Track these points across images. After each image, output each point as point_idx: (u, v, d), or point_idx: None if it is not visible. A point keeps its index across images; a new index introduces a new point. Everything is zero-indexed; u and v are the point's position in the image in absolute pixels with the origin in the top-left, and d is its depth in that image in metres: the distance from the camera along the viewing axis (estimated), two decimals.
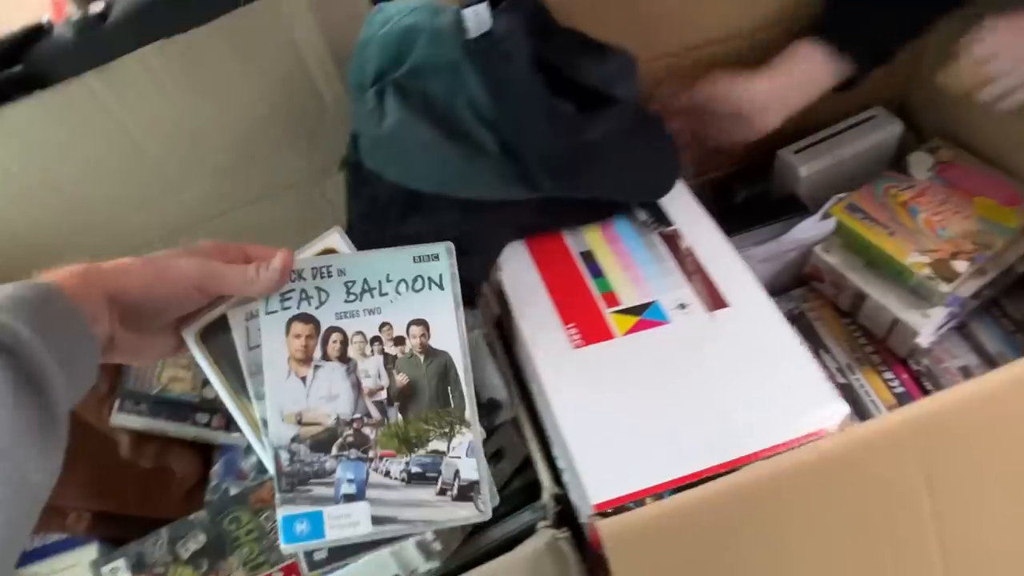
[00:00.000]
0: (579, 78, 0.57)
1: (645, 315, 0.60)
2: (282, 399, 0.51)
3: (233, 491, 0.73)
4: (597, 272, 0.63)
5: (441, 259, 0.54)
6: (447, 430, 0.53)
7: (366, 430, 0.52)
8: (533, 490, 0.75)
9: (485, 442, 0.72)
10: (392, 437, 0.52)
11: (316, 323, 0.52)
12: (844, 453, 0.49)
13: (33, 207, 0.69)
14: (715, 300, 0.60)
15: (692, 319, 0.59)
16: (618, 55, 0.62)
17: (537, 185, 0.58)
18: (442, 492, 0.51)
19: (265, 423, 0.52)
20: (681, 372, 0.56)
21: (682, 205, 0.68)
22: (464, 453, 0.52)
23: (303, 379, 0.52)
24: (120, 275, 0.43)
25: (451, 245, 0.55)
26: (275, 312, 0.52)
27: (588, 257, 0.64)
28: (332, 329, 0.53)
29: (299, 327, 0.52)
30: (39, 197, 0.69)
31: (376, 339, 0.53)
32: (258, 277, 0.48)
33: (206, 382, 0.74)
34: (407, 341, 0.53)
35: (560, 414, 0.54)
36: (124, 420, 0.71)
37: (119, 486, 0.71)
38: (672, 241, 0.64)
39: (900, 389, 0.71)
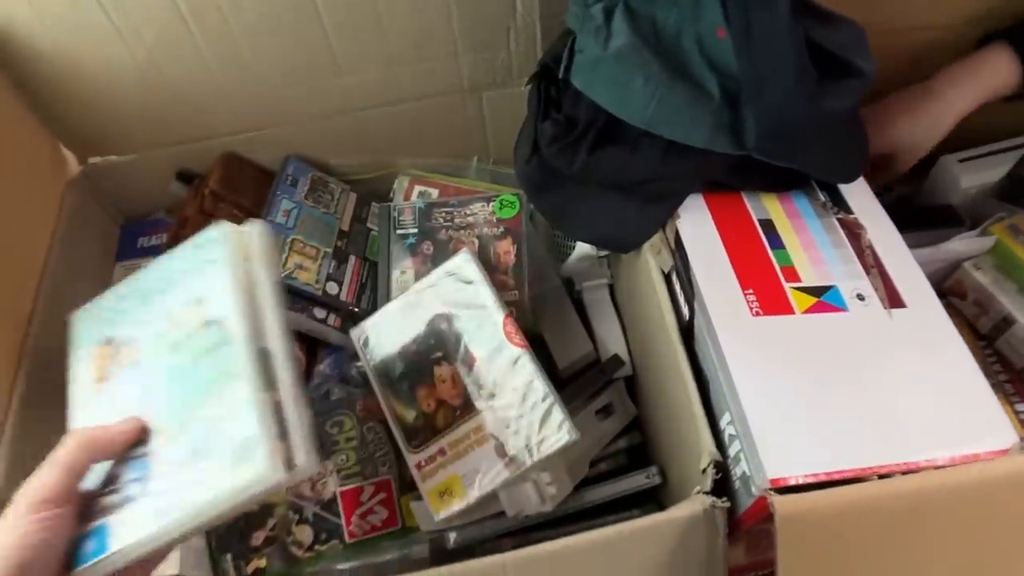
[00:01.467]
0: (825, 42, 0.53)
1: (824, 297, 0.57)
2: (84, 420, 0.51)
3: (336, 395, 0.71)
4: (777, 244, 0.60)
5: (216, 238, 0.52)
6: (216, 394, 0.48)
7: (153, 422, 0.48)
8: (638, 453, 0.75)
9: (597, 396, 0.72)
10: (167, 421, 0.48)
11: (114, 340, 0.52)
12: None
13: (197, 54, 0.66)
14: (893, 298, 0.58)
15: (870, 313, 0.57)
16: (849, 24, 0.58)
17: (745, 142, 0.55)
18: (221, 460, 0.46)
19: None
20: (858, 364, 0.54)
21: (860, 196, 0.65)
22: (241, 412, 0.46)
23: (100, 393, 0.52)
24: None
25: (225, 225, 0.52)
26: (81, 347, 0.53)
27: (768, 226, 0.61)
28: (129, 339, 0.52)
29: (99, 351, 0.53)
30: (207, 45, 0.65)
31: (166, 331, 0.51)
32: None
33: (329, 277, 0.72)
34: (189, 322, 0.50)
35: (739, 380, 0.52)
36: None
37: None
38: (850, 229, 0.62)
39: None
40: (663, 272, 0.60)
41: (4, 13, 0.61)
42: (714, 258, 0.59)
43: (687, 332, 0.58)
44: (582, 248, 0.71)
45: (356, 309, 0.73)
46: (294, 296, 0.70)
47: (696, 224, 0.61)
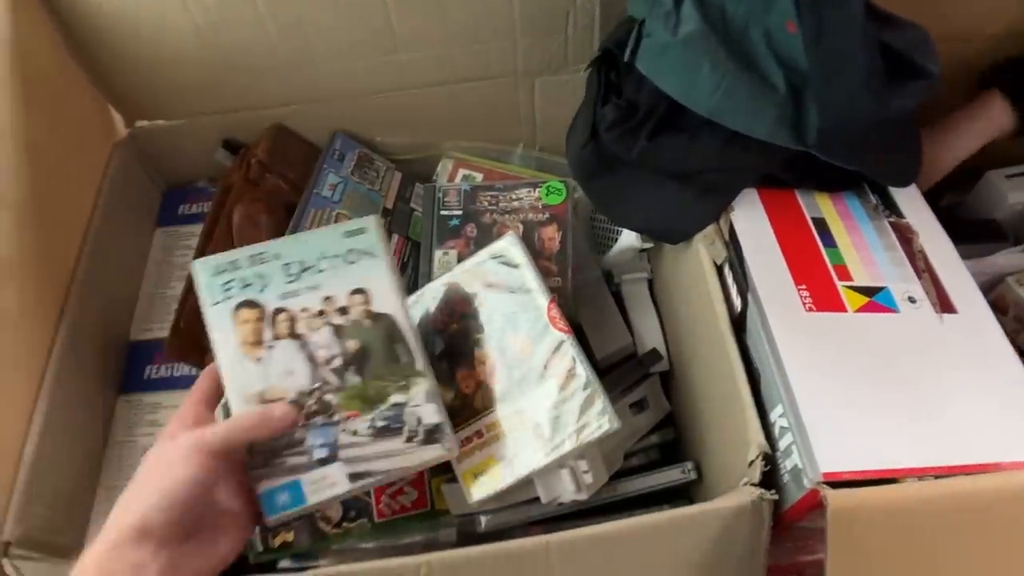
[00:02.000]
0: (893, 43, 0.53)
1: (875, 298, 0.57)
2: (241, 382, 0.54)
3: None
4: (830, 242, 0.60)
5: (369, 232, 0.59)
6: (403, 383, 0.56)
7: (328, 396, 0.55)
8: (670, 449, 0.74)
9: (632, 390, 0.72)
10: (353, 398, 0.55)
11: (261, 307, 0.56)
12: None
13: (259, 22, 0.66)
14: (944, 303, 0.57)
15: (921, 316, 0.56)
16: (914, 26, 0.58)
17: (805, 138, 0.55)
18: (409, 439, 0.55)
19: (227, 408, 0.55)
20: (910, 365, 0.54)
21: (912, 201, 0.65)
22: (423, 400, 0.56)
23: (258, 360, 0.56)
24: (161, 532, 0.44)
25: (379, 218, 0.58)
26: (219, 303, 0.56)
27: (821, 224, 0.61)
28: (278, 310, 0.56)
29: (245, 313, 0.56)
30: (269, 13, 0.66)
31: (321, 312, 0.57)
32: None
33: None
34: (350, 310, 0.57)
35: (792, 374, 0.51)
36: None
37: None
38: (902, 233, 0.62)
39: None
40: (715, 264, 0.60)
41: None
42: (768, 252, 0.59)
43: (738, 324, 0.58)
44: (626, 240, 0.71)
45: None
46: None
47: (750, 218, 0.61)
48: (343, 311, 0.56)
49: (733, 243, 0.60)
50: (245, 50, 0.68)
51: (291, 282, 0.56)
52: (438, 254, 0.71)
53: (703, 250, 0.61)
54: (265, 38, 0.67)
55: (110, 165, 0.74)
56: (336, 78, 0.72)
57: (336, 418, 0.55)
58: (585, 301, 0.73)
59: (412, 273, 0.73)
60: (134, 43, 0.67)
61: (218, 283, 0.56)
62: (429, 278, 0.70)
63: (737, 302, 0.58)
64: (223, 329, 0.55)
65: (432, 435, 0.55)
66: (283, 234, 0.69)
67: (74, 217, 0.68)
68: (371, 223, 0.58)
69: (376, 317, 0.57)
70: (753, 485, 0.51)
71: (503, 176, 0.79)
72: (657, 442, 0.74)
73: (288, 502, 0.53)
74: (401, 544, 0.67)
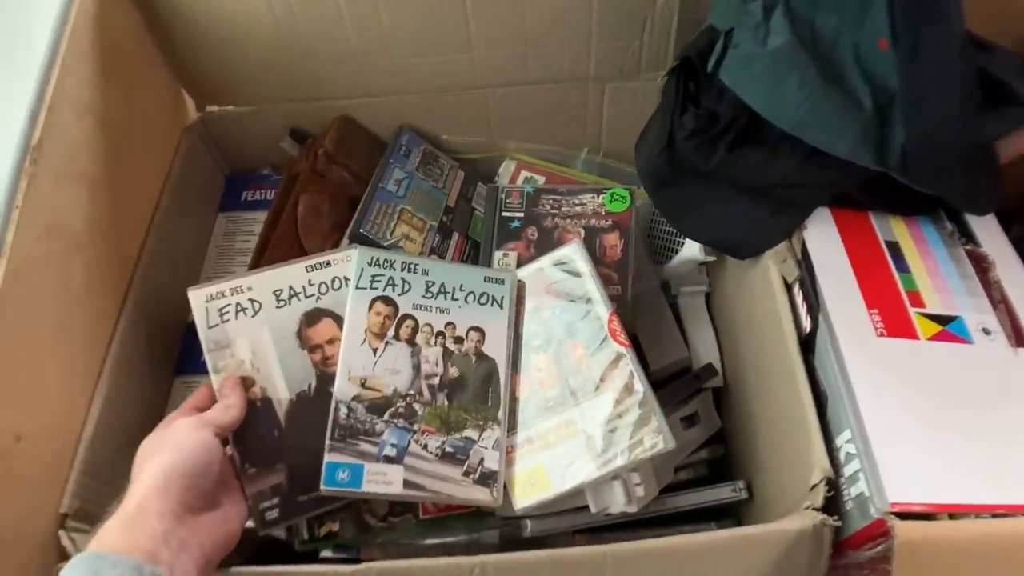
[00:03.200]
0: (988, 66, 0.52)
1: (949, 327, 0.56)
2: (352, 362, 0.59)
3: None
4: (903, 267, 0.59)
5: (506, 284, 0.64)
6: (481, 423, 0.60)
7: (416, 406, 0.60)
8: (719, 465, 0.73)
9: (684, 404, 0.71)
10: (436, 417, 0.60)
11: (395, 306, 0.62)
12: None
13: (336, 14, 0.66)
14: (1019, 337, 0.56)
15: (996, 348, 0.55)
16: (1004, 51, 0.56)
17: (887, 159, 0.53)
18: (466, 473, 0.59)
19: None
20: (982, 398, 0.52)
21: (988, 230, 0.63)
22: (491, 446, 0.60)
23: (374, 350, 0.60)
24: (177, 498, 0.47)
25: (515, 276, 0.65)
26: (364, 289, 0.61)
27: (894, 248, 0.60)
28: (407, 316, 0.62)
29: (381, 306, 0.61)
30: (348, 5, 0.66)
31: (441, 333, 0.62)
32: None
33: (433, 251, 0.71)
34: (465, 342, 0.62)
35: (862, 399, 0.50)
36: None
37: None
38: (978, 262, 0.60)
39: None
40: (785, 282, 0.59)
41: None
42: (840, 274, 0.57)
43: (805, 345, 0.56)
44: (688, 252, 0.70)
45: None
46: None
47: (823, 238, 0.59)
48: (458, 340, 0.62)
49: (805, 262, 0.58)
50: (320, 41, 0.68)
51: (427, 297, 0.62)
52: (498, 255, 0.70)
53: (773, 267, 0.60)
54: (341, 30, 0.67)
55: (180, 148, 0.75)
56: (407, 73, 0.72)
57: (415, 427, 0.59)
58: (642, 311, 0.72)
59: None
60: (212, 28, 0.68)
61: (370, 273, 0.61)
62: None
63: (806, 323, 0.57)
64: (358, 312, 0.60)
65: (486, 479, 0.59)
66: (346, 225, 0.70)
67: (143, 197, 0.69)
68: (509, 278, 0.64)
69: (483, 357, 0.62)
70: (815, 510, 0.50)
71: (565, 180, 0.78)
72: (706, 457, 0.73)
73: (346, 480, 0.56)
74: (444, 543, 0.67)
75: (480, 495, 0.58)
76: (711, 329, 0.75)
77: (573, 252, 0.65)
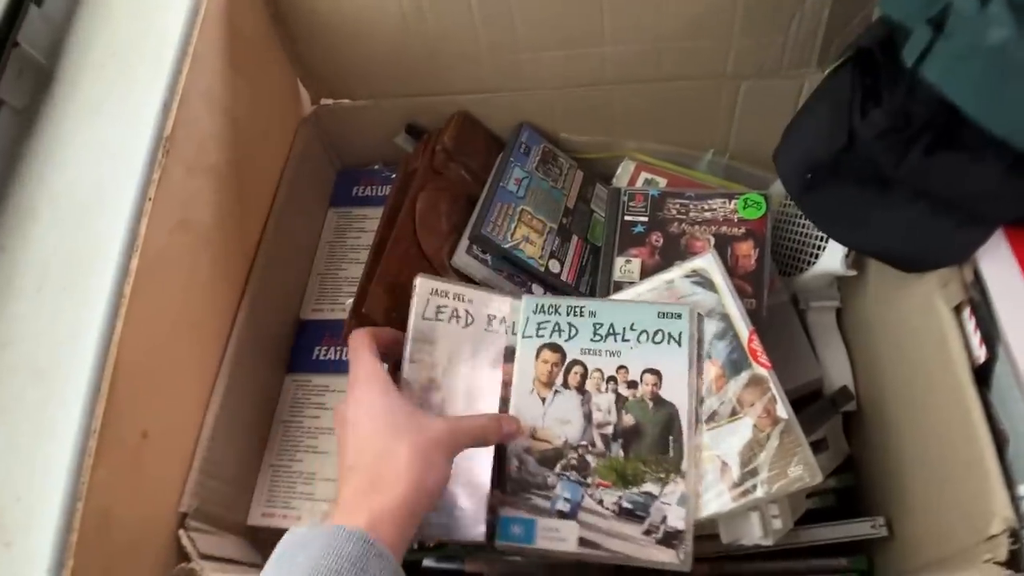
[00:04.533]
0: None
1: None
2: (522, 412, 0.58)
3: None
4: None
5: (683, 319, 0.58)
6: (662, 476, 0.55)
7: (589, 457, 0.57)
8: (847, 495, 0.68)
9: (814, 429, 0.66)
10: (611, 470, 0.56)
11: (563, 353, 0.59)
12: None
13: (467, 9, 0.64)
14: None
15: None
16: None
17: None
18: (648, 532, 0.54)
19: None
20: None
21: None
22: (675, 501, 0.54)
23: (543, 399, 0.58)
24: (428, 506, 0.46)
25: (695, 309, 0.58)
26: (531, 337, 0.59)
27: None
28: (575, 362, 0.59)
29: (548, 354, 0.59)
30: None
31: (612, 378, 0.58)
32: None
33: (552, 255, 0.68)
34: (639, 386, 0.58)
35: None
36: (465, 264, 0.66)
37: None
38: None
39: None
40: (952, 306, 0.53)
41: None
42: (1019, 299, 0.51)
43: (978, 377, 0.51)
44: (828, 263, 0.65)
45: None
46: (516, 269, 0.67)
47: (997, 258, 0.53)
48: (632, 385, 0.57)
49: (978, 284, 0.53)
50: (446, 36, 0.66)
51: (595, 341, 0.58)
52: (619, 261, 0.67)
53: (937, 288, 0.55)
54: (470, 25, 0.64)
55: (296, 142, 0.73)
56: (531, 68, 0.68)
57: (589, 480, 0.56)
58: (771, 326, 0.67)
59: (590, 279, 0.69)
60: (336, 20, 0.66)
61: (536, 320, 0.60)
62: (609, 286, 0.66)
63: (980, 352, 0.51)
64: (525, 361, 0.59)
65: (671, 539, 0.53)
66: (465, 224, 0.68)
67: (262, 191, 0.68)
68: (686, 312, 0.58)
69: (660, 402, 0.57)
70: (997, 564, 0.45)
71: (689, 183, 0.74)
72: (834, 486, 0.68)
73: (520, 535, 0.55)
74: (550, 563, 0.64)
75: (664, 557, 0.53)
76: (843, 348, 0.70)
77: (707, 264, 0.61)
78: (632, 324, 0.58)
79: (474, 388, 0.58)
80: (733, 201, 0.67)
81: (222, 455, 0.58)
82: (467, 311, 0.59)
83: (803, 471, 0.53)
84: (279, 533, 0.43)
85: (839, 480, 0.68)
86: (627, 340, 0.58)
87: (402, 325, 0.63)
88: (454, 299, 0.59)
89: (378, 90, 0.73)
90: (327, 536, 0.40)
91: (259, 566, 0.41)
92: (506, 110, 0.74)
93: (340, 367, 0.67)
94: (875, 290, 0.65)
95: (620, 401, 0.57)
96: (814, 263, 0.68)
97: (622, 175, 0.75)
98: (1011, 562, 0.45)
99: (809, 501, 0.67)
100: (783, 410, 0.55)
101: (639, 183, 0.75)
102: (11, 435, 0.45)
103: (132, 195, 0.50)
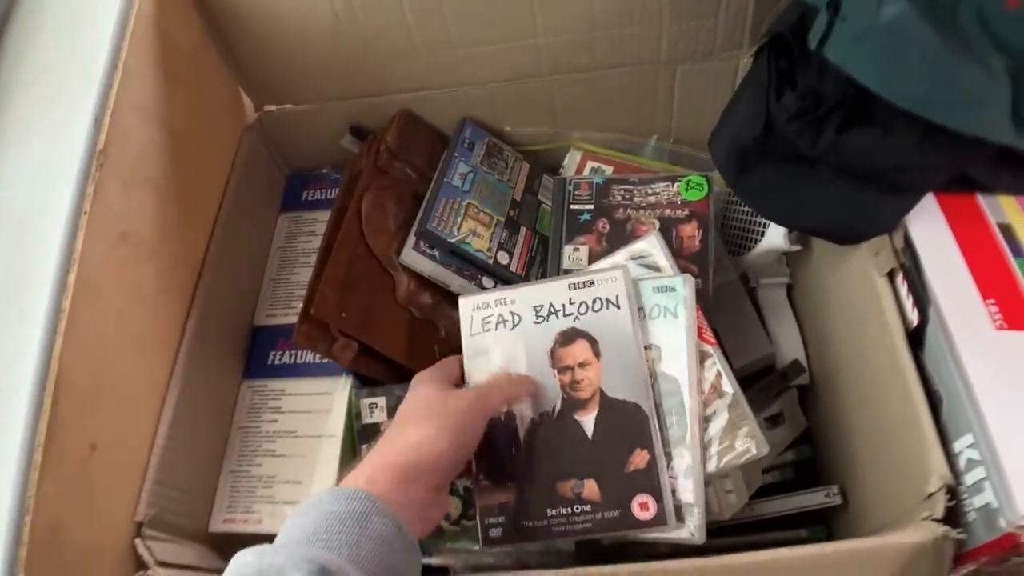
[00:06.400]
0: None
1: None
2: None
3: None
4: (1019, 251, 0.53)
5: (678, 290, 0.58)
6: (668, 450, 0.54)
7: None
8: (806, 467, 0.69)
9: (769, 403, 0.67)
10: None
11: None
12: None
13: (397, 6, 0.64)
14: None
15: None
16: None
17: None
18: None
19: None
20: None
21: None
22: (682, 474, 0.54)
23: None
24: (437, 471, 0.47)
25: (689, 278, 0.58)
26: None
27: (1008, 231, 0.54)
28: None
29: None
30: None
31: None
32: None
33: (501, 246, 0.69)
34: None
35: (984, 400, 0.46)
36: (413, 260, 0.66)
37: (386, 328, 0.66)
38: None
39: None
40: (885, 272, 0.54)
41: None
42: (949, 262, 0.53)
43: (913, 340, 0.52)
44: (772, 241, 0.66)
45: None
46: (464, 262, 0.67)
47: (928, 224, 0.55)
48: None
49: (909, 251, 0.54)
50: (380, 35, 0.66)
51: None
52: (568, 249, 0.67)
53: (869, 257, 0.56)
54: (402, 23, 0.65)
55: (240, 150, 0.73)
56: (469, 64, 0.69)
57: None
58: (721, 305, 0.68)
59: (540, 267, 0.70)
60: (270, 25, 0.66)
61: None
62: (559, 273, 0.67)
63: (913, 316, 0.52)
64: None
65: (680, 513, 0.53)
66: (412, 222, 0.68)
67: (206, 201, 0.68)
68: (681, 283, 0.57)
69: (660, 377, 0.56)
70: (935, 520, 0.46)
71: (635, 169, 0.74)
72: (792, 459, 0.69)
73: None
74: (519, 551, 0.65)
75: (675, 532, 0.53)
76: (794, 323, 0.71)
77: (651, 245, 0.61)
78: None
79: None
80: (676, 184, 0.68)
81: (178, 463, 0.58)
82: (512, 312, 0.59)
83: (751, 443, 0.54)
84: (243, 538, 0.44)
85: (797, 453, 0.70)
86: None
87: (353, 325, 0.64)
88: (496, 305, 0.59)
89: (320, 93, 0.73)
90: (334, 493, 0.42)
91: (220, 571, 0.42)
92: (448, 106, 0.74)
93: (295, 371, 0.67)
94: (819, 264, 0.67)
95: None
96: (760, 241, 0.69)
97: (569, 165, 0.76)
98: (949, 518, 0.47)
99: (768, 475, 0.69)
100: (729, 385, 0.56)
101: (586, 172, 0.76)
102: None
103: (67, 210, 0.50)
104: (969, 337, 0.49)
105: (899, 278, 0.54)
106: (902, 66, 0.47)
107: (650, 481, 0.53)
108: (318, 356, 0.67)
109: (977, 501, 0.46)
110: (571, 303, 0.58)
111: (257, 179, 0.76)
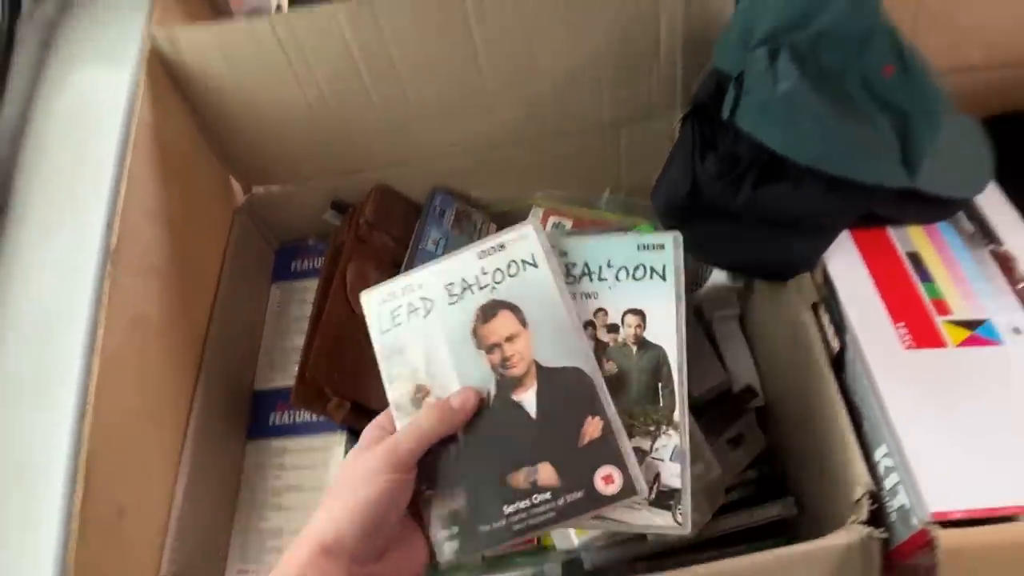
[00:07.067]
0: None
1: (978, 331, 0.57)
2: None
3: None
4: (926, 276, 0.61)
5: (666, 249, 0.53)
6: (652, 428, 0.50)
7: None
8: (767, 483, 0.75)
9: (728, 426, 0.73)
10: None
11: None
12: None
13: (365, 93, 0.72)
14: None
15: None
16: None
17: (916, 177, 0.56)
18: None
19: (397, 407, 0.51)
20: (1017, 398, 0.54)
21: (1010, 227, 0.64)
22: (668, 456, 0.49)
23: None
24: (355, 549, 0.44)
25: (679, 236, 0.53)
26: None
27: (915, 259, 0.62)
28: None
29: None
30: (374, 85, 0.71)
31: (589, 323, 0.52)
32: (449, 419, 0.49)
33: None
34: (620, 330, 0.51)
35: (895, 413, 0.52)
36: None
37: (376, 385, 0.71)
38: (1003, 262, 0.62)
39: None
40: (809, 305, 0.61)
41: (199, 56, 0.69)
42: (863, 291, 0.60)
43: (836, 364, 0.59)
44: (717, 277, 0.73)
45: None
46: None
47: (843, 258, 0.62)
48: (612, 329, 0.51)
49: (827, 284, 0.61)
50: (351, 119, 0.74)
51: (568, 283, 0.52)
52: None
53: (795, 292, 0.63)
54: (369, 108, 0.72)
55: (232, 230, 0.81)
56: (434, 139, 0.77)
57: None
58: None
59: None
60: (254, 119, 0.74)
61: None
62: None
63: (835, 343, 0.59)
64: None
65: (665, 500, 0.48)
66: None
67: (205, 280, 0.75)
68: (670, 240, 0.53)
69: (646, 345, 0.51)
70: (861, 523, 0.52)
71: (593, 222, 0.82)
72: (754, 477, 0.75)
73: None
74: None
75: (659, 520, 0.47)
76: (747, 350, 0.77)
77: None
78: (609, 261, 0.53)
79: (463, 366, 0.51)
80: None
81: (195, 522, 0.64)
82: (422, 298, 0.53)
83: (701, 466, 0.60)
84: None
85: (759, 470, 0.75)
86: (604, 279, 0.52)
87: (345, 385, 0.71)
88: (404, 293, 0.54)
89: (302, 174, 0.81)
90: None
91: None
92: (419, 178, 0.82)
93: (295, 430, 0.74)
94: (760, 298, 0.74)
95: (600, 348, 0.51)
96: (708, 278, 0.77)
97: (532, 221, 0.83)
98: (875, 520, 0.53)
99: (734, 493, 0.74)
100: (679, 415, 0.61)
101: (548, 226, 0.83)
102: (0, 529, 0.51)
103: (87, 305, 0.57)
104: (880, 359, 0.56)
105: (821, 309, 0.61)
106: (799, 130, 0.55)
107: (609, 449, 0.47)
108: (315, 415, 0.73)
109: (895, 503, 0.52)
110: (484, 273, 0.52)
111: (249, 254, 0.83)
